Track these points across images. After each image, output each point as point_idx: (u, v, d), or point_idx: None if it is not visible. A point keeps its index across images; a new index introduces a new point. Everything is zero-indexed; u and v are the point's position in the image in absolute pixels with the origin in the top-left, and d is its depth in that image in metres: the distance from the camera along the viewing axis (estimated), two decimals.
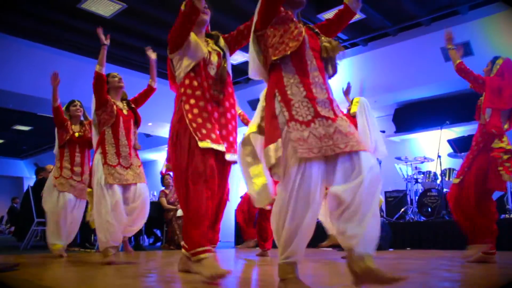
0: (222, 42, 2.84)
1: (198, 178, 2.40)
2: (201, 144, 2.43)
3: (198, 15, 2.61)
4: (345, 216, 1.76)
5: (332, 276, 2.82)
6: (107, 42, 3.97)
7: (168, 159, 2.72)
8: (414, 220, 6.51)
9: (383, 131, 7.16)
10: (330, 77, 2.07)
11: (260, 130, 2.04)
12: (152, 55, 4.16)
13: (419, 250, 5.60)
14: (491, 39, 6.50)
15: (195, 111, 2.52)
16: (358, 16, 6.67)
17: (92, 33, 7.34)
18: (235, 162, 2.68)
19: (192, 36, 2.66)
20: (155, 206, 7.50)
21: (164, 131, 10.78)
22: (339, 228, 1.79)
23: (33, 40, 7.43)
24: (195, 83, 2.58)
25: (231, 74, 2.77)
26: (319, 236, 4.90)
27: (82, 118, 4.88)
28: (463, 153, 6.48)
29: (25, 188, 8.22)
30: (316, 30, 2.17)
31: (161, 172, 8.37)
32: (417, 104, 8.33)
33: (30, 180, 15.69)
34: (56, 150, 4.71)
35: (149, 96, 4.23)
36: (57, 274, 2.89)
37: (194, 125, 2.48)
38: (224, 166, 2.66)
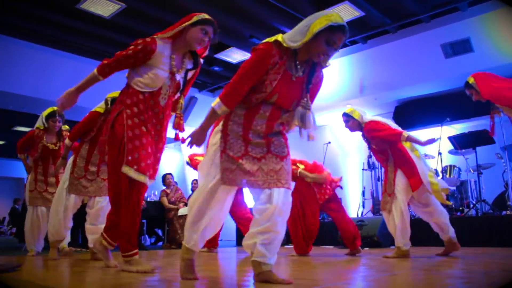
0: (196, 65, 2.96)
1: None
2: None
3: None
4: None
5: (328, 274, 2.82)
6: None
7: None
8: (416, 217, 6.50)
9: None
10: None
11: None
12: None
13: (421, 247, 5.59)
14: (491, 35, 6.49)
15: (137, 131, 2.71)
16: (357, 14, 6.65)
17: (91, 33, 7.38)
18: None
19: (155, 62, 2.76)
20: (156, 206, 7.51)
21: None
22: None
23: (32, 41, 7.43)
24: (145, 104, 2.72)
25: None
26: (323, 235, 4.92)
27: (58, 129, 4.85)
28: (463, 150, 6.49)
29: None
30: None
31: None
32: (417, 101, 8.32)
33: None
34: (30, 161, 4.84)
35: None
36: (59, 275, 2.89)
37: (130, 145, 2.67)
38: None
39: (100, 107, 4.00)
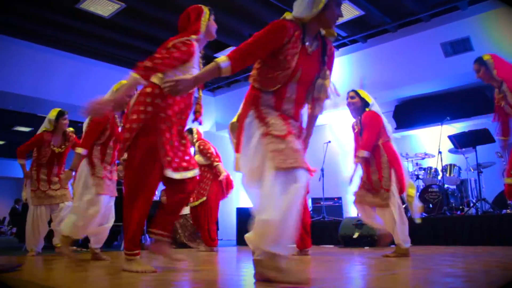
0: None
1: None
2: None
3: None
4: None
5: (326, 273, 2.82)
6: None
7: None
8: None
9: None
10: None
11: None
12: None
13: (421, 246, 5.60)
14: (491, 34, 6.49)
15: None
16: (357, 13, 6.66)
17: (91, 33, 7.38)
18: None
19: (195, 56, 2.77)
20: (157, 205, 7.51)
21: None
22: None
23: (32, 41, 7.43)
24: (176, 108, 2.75)
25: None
26: (323, 234, 4.94)
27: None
28: (463, 149, 6.49)
29: None
30: None
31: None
32: (417, 100, 8.32)
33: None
34: (33, 162, 4.84)
35: None
36: (60, 275, 2.89)
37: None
38: None
39: None
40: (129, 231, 2.67)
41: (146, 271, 2.60)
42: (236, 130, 2.21)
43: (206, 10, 2.87)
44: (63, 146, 4.83)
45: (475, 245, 5.12)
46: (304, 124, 2.32)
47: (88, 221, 3.72)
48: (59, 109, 4.87)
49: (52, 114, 4.81)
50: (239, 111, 2.27)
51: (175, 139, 2.74)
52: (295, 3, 2.16)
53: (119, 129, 3.92)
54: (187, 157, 2.80)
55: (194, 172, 2.80)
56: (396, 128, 8.62)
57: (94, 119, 3.78)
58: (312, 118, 2.36)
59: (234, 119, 2.35)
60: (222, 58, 2.03)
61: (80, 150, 3.77)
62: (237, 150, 2.14)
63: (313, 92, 2.20)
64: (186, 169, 2.76)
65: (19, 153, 4.83)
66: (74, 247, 4.74)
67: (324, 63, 2.19)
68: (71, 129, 5.04)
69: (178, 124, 2.78)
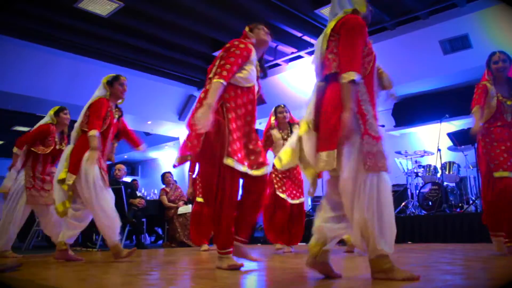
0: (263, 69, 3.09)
1: None
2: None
3: None
4: None
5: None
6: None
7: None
8: (415, 214, 6.52)
9: (383, 126, 7.15)
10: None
11: (313, 125, 2.18)
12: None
13: (420, 243, 5.60)
14: (489, 31, 6.49)
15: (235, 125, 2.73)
16: None
17: (89, 32, 7.37)
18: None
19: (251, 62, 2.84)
20: (156, 204, 7.51)
21: (163, 129, 10.79)
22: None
23: (30, 40, 7.41)
24: (239, 101, 2.79)
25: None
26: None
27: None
28: (462, 146, 6.49)
29: None
30: None
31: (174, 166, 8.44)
32: (416, 98, 8.31)
33: None
34: (26, 155, 4.63)
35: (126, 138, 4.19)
36: (59, 274, 2.90)
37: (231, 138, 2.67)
38: None
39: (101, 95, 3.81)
40: (220, 233, 2.66)
41: (236, 266, 2.63)
42: (324, 120, 2.14)
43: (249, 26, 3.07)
44: (63, 143, 4.70)
45: (475, 242, 5.12)
46: None
47: (111, 220, 3.63)
48: (59, 106, 4.78)
49: (52, 110, 4.68)
50: (311, 105, 2.23)
51: (241, 132, 2.80)
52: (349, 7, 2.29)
53: (114, 120, 3.85)
54: (256, 152, 2.83)
55: (262, 171, 2.80)
56: (395, 126, 8.63)
57: (95, 103, 3.70)
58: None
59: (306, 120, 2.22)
60: (348, 76, 2.03)
61: (93, 133, 3.57)
62: (326, 147, 2.07)
63: (381, 82, 2.32)
64: (252, 166, 2.78)
65: (19, 142, 4.60)
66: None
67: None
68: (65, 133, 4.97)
69: (244, 118, 2.83)
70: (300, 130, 2.21)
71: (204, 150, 2.66)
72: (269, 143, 4.73)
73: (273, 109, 4.81)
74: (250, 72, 2.79)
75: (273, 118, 4.77)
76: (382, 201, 1.99)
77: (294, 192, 4.64)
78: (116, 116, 3.93)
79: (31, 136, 4.58)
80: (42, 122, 4.66)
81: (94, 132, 3.57)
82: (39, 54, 7.57)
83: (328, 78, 2.19)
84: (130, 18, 6.84)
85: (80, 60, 8.08)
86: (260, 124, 10.11)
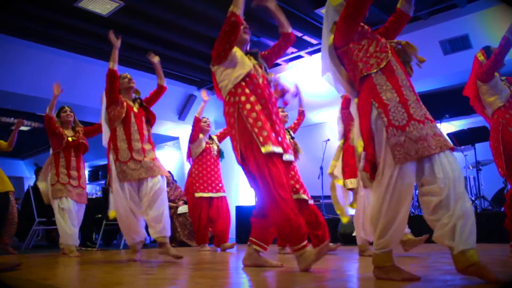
0: (260, 57, 3.10)
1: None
2: (264, 149, 2.63)
3: (238, 31, 2.83)
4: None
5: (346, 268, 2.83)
6: (118, 44, 4.05)
7: None
8: (415, 214, 6.51)
9: None
10: (410, 77, 2.28)
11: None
12: (154, 59, 4.25)
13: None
14: (489, 32, 6.48)
15: (253, 115, 2.72)
16: None
17: (90, 32, 7.37)
18: (291, 162, 3.02)
19: (238, 51, 2.89)
20: None
21: (163, 128, 10.78)
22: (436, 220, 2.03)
23: (30, 40, 7.41)
24: (247, 90, 2.79)
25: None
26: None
27: (72, 124, 4.91)
28: (462, 147, 6.49)
29: (26, 188, 8.23)
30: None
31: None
32: None
33: (30, 180, 15.64)
34: (50, 157, 4.75)
35: (161, 95, 4.31)
36: (59, 273, 2.90)
37: (256, 129, 2.67)
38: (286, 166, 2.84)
39: None
40: (284, 232, 2.60)
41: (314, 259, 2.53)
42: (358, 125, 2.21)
43: None
44: (76, 135, 4.78)
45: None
46: None
47: (129, 221, 3.69)
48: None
49: (57, 112, 4.90)
50: (355, 130, 2.27)
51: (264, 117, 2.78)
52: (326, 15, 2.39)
53: (135, 109, 3.95)
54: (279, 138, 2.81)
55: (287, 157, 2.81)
56: None
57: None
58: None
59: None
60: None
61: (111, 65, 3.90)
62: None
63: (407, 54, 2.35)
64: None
65: (51, 124, 4.70)
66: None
67: None
68: (79, 125, 5.05)
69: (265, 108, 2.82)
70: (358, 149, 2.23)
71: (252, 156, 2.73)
72: None
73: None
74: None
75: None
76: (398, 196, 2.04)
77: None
78: (135, 107, 3.98)
79: (53, 124, 4.75)
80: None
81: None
82: (39, 54, 7.56)
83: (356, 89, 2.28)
84: (130, 17, 6.84)
85: (80, 59, 8.07)
86: None
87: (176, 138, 11.31)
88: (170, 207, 7.14)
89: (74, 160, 4.70)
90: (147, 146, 3.83)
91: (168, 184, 7.55)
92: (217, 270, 2.91)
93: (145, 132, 3.88)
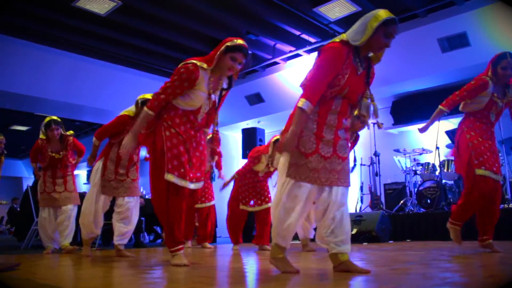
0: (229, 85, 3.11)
1: None
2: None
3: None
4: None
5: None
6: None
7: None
8: (414, 212, 6.53)
9: (381, 124, 7.15)
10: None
11: None
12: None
13: (419, 241, 5.62)
14: (487, 29, 6.49)
15: (174, 141, 2.87)
16: (353, 9, 6.64)
17: (87, 31, 7.35)
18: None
19: (198, 86, 2.88)
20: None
21: None
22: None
23: (28, 39, 7.40)
24: (183, 119, 2.92)
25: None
26: None
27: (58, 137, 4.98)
28: None
29: (24, 188, 8.21)
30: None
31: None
32: (414, 96, 8.32)
33: (29, 180, 15.66)
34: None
35: None
36: (59, 273, 2.89)
37: (169, 154, 2.84)
38: None
39: (129, 110, 4.04)
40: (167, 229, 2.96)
41: (179, 264, 2.88)
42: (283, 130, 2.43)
43: (223, 47, 2.88)
44: (61, 153, 4.93)
45: (473, 240, 5.13)
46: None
47: (89, 220, 4.00)
48: (50, 118, 4.95)
49: (44, 122, 4.95)
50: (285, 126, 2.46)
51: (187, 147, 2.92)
52: (352, 28, 2.39)
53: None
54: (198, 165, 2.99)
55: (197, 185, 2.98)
56: (393, 124, 8.63)
57: (117, 120, 4.01)
58: (353, 132, 2.70)
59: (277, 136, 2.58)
60: (300, 102, 2.25)
61: (94, 140, 4.10)
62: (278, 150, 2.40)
63: (359, 109, 2.45)
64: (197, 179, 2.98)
65: (30, 158, 5.14)
66: (74, 246, 4.75)
67: (368, 84, 2.47)
68: (71, 132, 5.08)
69: (188, 133, 2.94)
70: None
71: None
72: (256, 162, 4.92)
73: (273, 139, 4.82)
74: (193, 97, 2.89)
75: (270, 149, 4.80)
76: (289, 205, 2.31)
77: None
78: None
79: (31, 152, 5.10)
80: (40, 135, 5.01)
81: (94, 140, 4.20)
82: (37, 53, 7.55)
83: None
84: (128, 16, 6.83)
85: (78, 59, 8.05)
86: (259, 123, 10.15)
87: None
88: None
89: (59, 172, 4.98)
90: (132, 168, 4.17)
91: None
92: (216, 269, 2.91)
93: (135, 157, 4.17)
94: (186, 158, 2.87)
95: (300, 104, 2.25)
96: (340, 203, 2.31)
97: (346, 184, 2.38)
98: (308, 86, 2.29)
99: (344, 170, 2.37)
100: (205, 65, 2.87)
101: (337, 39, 2.36)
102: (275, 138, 4.72)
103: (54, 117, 4.97)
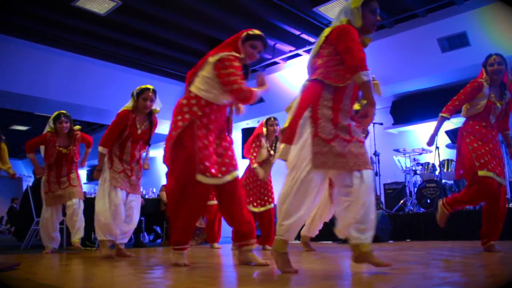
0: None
1: None
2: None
3: None
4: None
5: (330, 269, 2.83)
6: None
7: None
8: (414, 212, 6.53)
9: (381, 124, 7.16)
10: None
11: None
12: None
13: (419, 241, 5.62)
14: (487, 29, 6.49)
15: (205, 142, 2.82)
16: None
17: (87, 31, 7.35)
18: None
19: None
20: (155, 203, 7.51)
21: (162, 127, 10.77)
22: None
23: (28, 39, 7.40)
24: (207, 110, 2.86)
25: None
26: (322, 230, 4.92)
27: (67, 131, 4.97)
28: None
29: (24, 188, 8.21)
30: None
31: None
32: (414, 96, 8.32)
33: (29, 180, 15.63)
34: (44, 165, 5.00)
35: None
36: (59, 273, 2.90)
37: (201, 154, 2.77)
38: None
39: (127, 106, 4.01)
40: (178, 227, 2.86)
41: (178, 264, 2.85)
42: (292, 118, 2.37)
43: (244, 34, 2.98)
44: (69, 147, 4.92)
45: (473, 239, 5.14)
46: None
47: (111, 216, 3.83)
48: (58, 112, 4.96)
49: (52, 117, 4.95)
50: (295, 103, 2.43)
51: (211, 146, 2.85)
52: (336, 18, 2.47)
53: (138, 131, 4.04)
54: (227, 160, 2.91)
55: (232, 175, 2.88)
56: (393, 124, 8.64)
57: (118, 117, 3.94)
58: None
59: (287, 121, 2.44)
60: (361, 75, 2.25)
61: (100, 149, 3.90)
62: (287, 140, 2.33)
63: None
64: (225, 173, 2.86)
65: (27, 147, 4.97)
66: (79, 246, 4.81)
67: None
68: (78, 127, 5.10)
69: (215, 131, 2.91)
70: (285, 124, 2.41)
71: (179, 162, 2.90)
72: (257, 148, 4.83)
73: (264, 120, 4.88)
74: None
75: (264, 128, 4.82)
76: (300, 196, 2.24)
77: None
78: (140, 129, 4.11)
79: (33, 142, 5.00)
80: (46, 127, 4.99)
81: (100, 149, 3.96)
82: (37, 53, 7.55)
83: (311, 81, 2.41)
84: (127, 16, 6.83)
85: (78, 59, 8.05)
86: (259, 123, 10.14)
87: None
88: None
89: (64, 169, 4.95)
90: (136, 166, 4.12)
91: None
92: (216, 269, 2.91)
93: (136, 153, 4.12)
94: (214, 157, 2.84)
95: (364, 78, 2.23)
96: (371, 187, 2.24)
97: (371, 167, 2.32)
98: (362, 58, 2.31)
99: (366, 153, 2.32)
100: (236, 54, 2.91)
101: (344, 20, 2.41)
102: (267, 118, 4.85)
103: (63, 111, 4.98)
